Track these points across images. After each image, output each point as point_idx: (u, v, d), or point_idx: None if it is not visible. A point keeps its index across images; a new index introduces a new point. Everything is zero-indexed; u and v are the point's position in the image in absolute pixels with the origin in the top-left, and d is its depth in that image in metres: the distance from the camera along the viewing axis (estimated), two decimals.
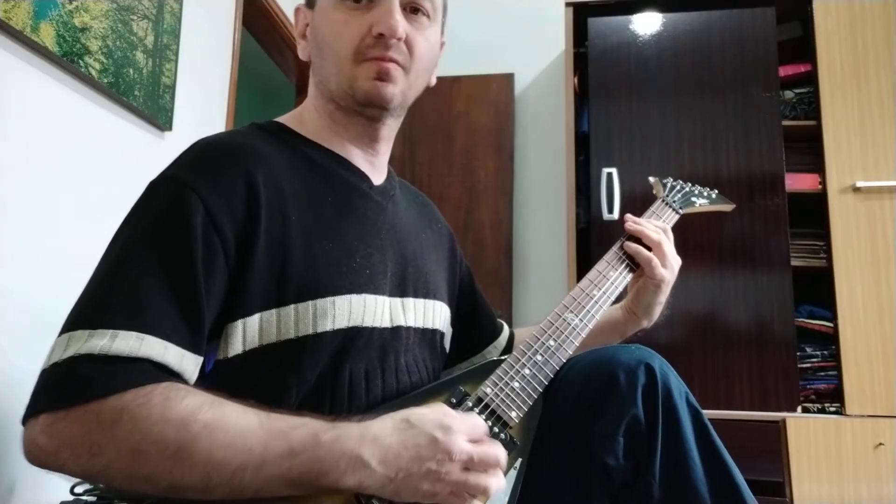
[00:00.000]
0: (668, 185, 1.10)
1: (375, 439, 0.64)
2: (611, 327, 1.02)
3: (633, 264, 0.96)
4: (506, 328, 1.11)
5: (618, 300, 1.00)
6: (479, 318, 1.07)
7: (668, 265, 0.95)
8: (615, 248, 0.97)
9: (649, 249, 0.95)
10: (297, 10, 0.88)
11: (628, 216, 0.99)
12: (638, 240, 0.96)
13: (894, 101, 2.26)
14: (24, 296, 1.22)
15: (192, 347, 0.67)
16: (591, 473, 0.78)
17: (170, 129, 1.70)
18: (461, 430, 0.66)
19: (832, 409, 2.15)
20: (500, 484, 0.68)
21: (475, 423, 0.69)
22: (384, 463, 0.63)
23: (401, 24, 0.79)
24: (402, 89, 0.82)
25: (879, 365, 2.13)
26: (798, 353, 2.18)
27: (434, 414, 0.67)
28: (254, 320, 0.72)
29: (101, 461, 0.60)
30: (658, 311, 1.00)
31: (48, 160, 1.30)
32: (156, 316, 0.64)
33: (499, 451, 0.68)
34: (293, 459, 0.61)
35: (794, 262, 2.24)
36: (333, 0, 0.81)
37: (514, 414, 0.77)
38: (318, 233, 0.77)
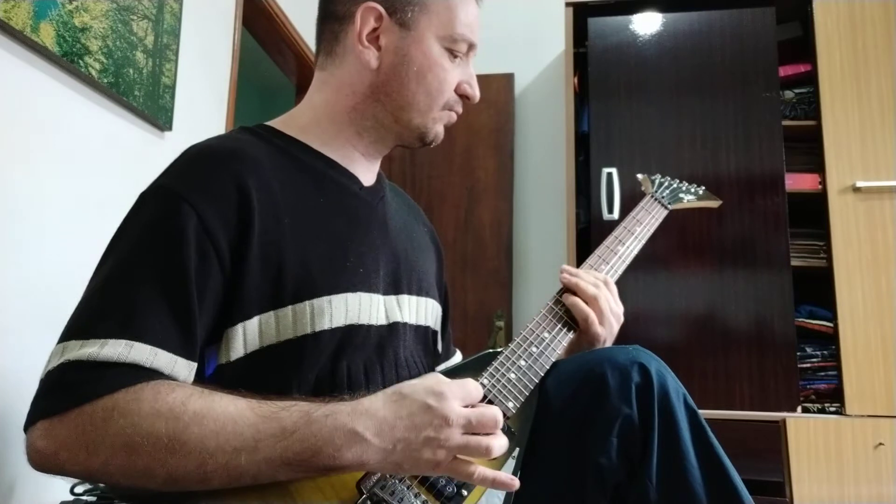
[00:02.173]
0: (657, 181, 1.13)
1: (367, 412, 0.63)
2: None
3: (572, 321, 0.89)
4: (458, 354, 1.09)
5: None
6: (446, 332, 1.05)
7: (606, 322, 0.89)
8: (551, 302, 0.90)
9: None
10: (368, 9, 0.83)
11: (564, 267, 0.93)
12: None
13: (894, 101, 2.26)
14: (24, 296, 1.22)
15: (185, 353, 0.68)
16: (584, 472, 0.78)
17: (170, 129, 1.70)
18: (455, 395, 0.65)
19: (832, 409, 2.14)
20: (501, 443, 0.66)
21: (469, 388, 0.68)
22: (379, 435, 0.63)
23: None
24: None
25: (879, 365, 2.13)
26: (798, 353, 2.18)
27: (426, 382, 0.66)
28: (253, 323, 0.73)
29: (98, 459, 0.61)
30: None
31: (48, 160, 1.30)
32: (146, 323, 0.65)
33: (496, 412, 0.66)
34: (286, 439, 0.61)
35: (794, 262, 2.24)
36: (436, 42, 0.84)
37: (511, 404, 0.78)
38: (311, 234, 0.78)
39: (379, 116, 0.86)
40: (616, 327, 0.92)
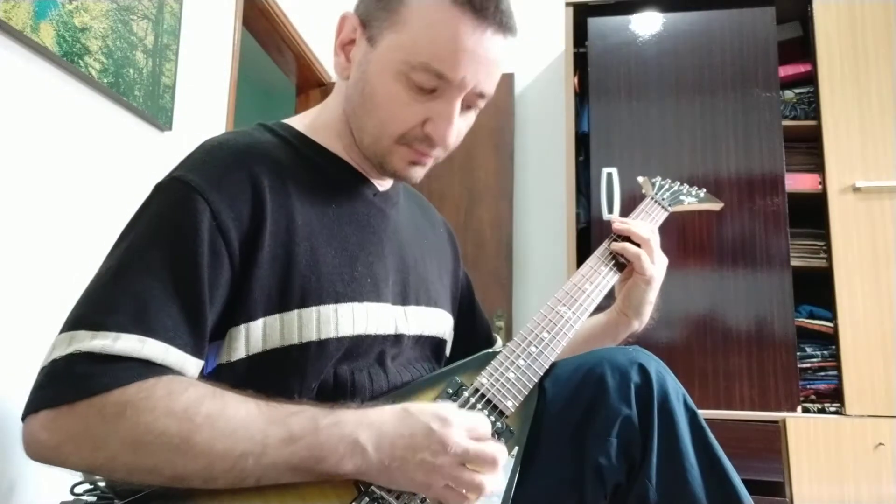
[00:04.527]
0: (657, 183, 1.13)
1: (372, 424, 0.65)
2: (602, 331, 1.02)
3: (620, 264, 0.97)
4: (499, 341, 1.11)
5: (607, 306, 1.00)
6: (477, 322, 1.07)
7: (657, 261, 0.96)
8: (603, 246, 0.98)
9: (638, 246, 0.96)
10: (345, 18, 0.78)
11: (615, 217, 1.00)
12: (625, 239, 0.97)
13: (894, 101, 2.26)
14: (23, 295, 1.22)
15: (194, 351, 0.67)
16: (584, 472, 0.79)
17: (170, 128, 1.70)
18: (460, 424, 0.66)
19: (832, 409, 2.14)
20: (495, 484, 0.68)
21: (478, 421, 0.69)
22: (380, 449, 0.64)
23: (454, 133, 0.76)
24: (429, 168, 0.82)
25: (879, 365, 2.13)
26: (798, 353, 2.18)
27: (434, 406, 0.68)
28: (257, 325, 0.72)
29: (104, 454, 0.61)
30: (649, 310, 0.99)
31: (48, 160, 1.30)
32: (158, 319, 0.65)
33: (497, 451, 0.68)
34: (293, 445, 0.62)
35: (794, 262, 2.24)
36: (397, 71, 0.73)
37: (510, 403, 0.78)
38: (321, 238, 0.77)
39: (354, 133, 0.82)
40: (663, 271, 0.98)
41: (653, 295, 0.98)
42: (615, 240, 0.98)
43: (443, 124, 0.75)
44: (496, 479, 0.68)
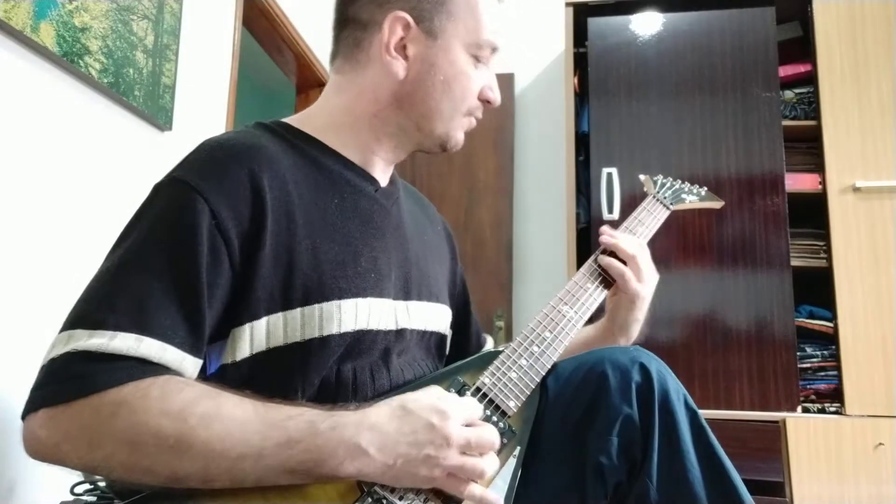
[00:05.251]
0: (659, 182, 1.12)
1: (373, 427, 0.65)
2: (593, 344, 0.99)
3: (609, 278, 0.94)
4: (490, 341, 1.10)
5: (593, 320, 0.97)
6: (472, 321, 1.07)
7: (644, 280, 0.93)
8: (591, 260, 0.95)
9: (624, 263, 0.93)
10: (396, 18, 0.80)
11: (604, 228, 0.97)
12: (613, 254, 0.94)
13: (894, 101, 2.26)
14: (23, 295, 1.22)
15: (193, 350, 0.67)
16: (585, 471, 0.79)
17: (170, 128, 1.70)
18: (457, 414, 0.67)
19: (832, 409, 2.14)
20: (494, 465, 0.69)
21: (469, 406, 0.71)
22: (383, 450, 0.64)
23: None
24: None
25: (879, 365, 2.13)
26: (798, 353, 2.18)
27: (429, 398, 0.68)
28: (261, 324, 0.72)
29: (101, 454, 0.61)
30: (636, 329, 0.97)
31: (48, 160, 1.30)
32: (156, 318, 0.65)
33: (493, 434, 0.69)
34: (291, 449, 0.62)
35: (794, 262, 2.24)
36: (465, 54, 0.83)
37: (512, 403, 0.78)
38: (323, 235, 0.77)
39: (402, 124, 0.85)
40: (652, 289, 0.95)
41: (640, 314, 0.95)
42: (603, 253, 0.95)
43: (495, 85, 0.87)
44: (493, 462, 0.69)
